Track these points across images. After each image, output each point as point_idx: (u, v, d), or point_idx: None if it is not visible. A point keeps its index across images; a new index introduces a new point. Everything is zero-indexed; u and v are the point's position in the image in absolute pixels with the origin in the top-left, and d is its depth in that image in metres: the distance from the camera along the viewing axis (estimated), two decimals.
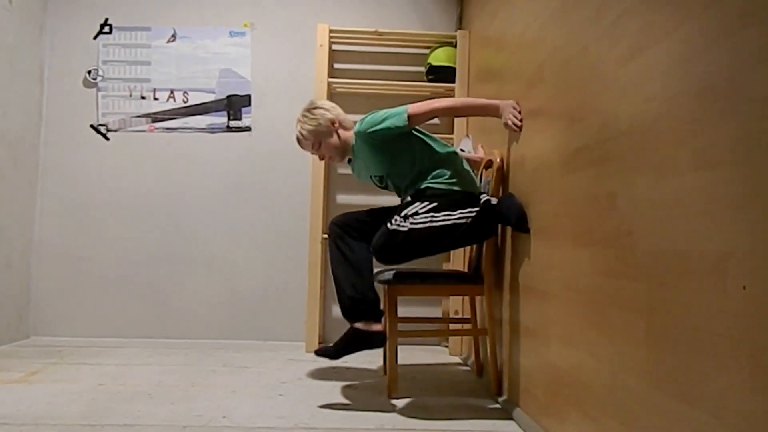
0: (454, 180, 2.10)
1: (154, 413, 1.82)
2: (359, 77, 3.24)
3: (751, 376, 0.81)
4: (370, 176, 2.27)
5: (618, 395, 1.19)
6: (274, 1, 3.26)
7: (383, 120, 2.04)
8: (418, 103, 2.06)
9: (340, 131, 2.20)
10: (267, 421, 1.78)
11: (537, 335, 1.71)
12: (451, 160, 2.14)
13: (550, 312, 1.60)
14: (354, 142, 2.18)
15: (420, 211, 2.00)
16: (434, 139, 2.17)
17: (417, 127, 2.12)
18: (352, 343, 2.03)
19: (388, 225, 1.99)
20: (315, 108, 2.20)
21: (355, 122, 2.21)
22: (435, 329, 2.92)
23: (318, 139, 2.19)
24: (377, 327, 2.03)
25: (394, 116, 2.03)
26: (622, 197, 1.20)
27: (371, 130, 2.06)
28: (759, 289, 0.80)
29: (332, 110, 2.20)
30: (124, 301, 3.14)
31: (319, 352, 2.07)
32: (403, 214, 2.00)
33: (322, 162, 2.93)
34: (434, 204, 2.01)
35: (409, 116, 2.02)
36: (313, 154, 2.29)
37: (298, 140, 2.23)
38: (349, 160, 2.31)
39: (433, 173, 2.11)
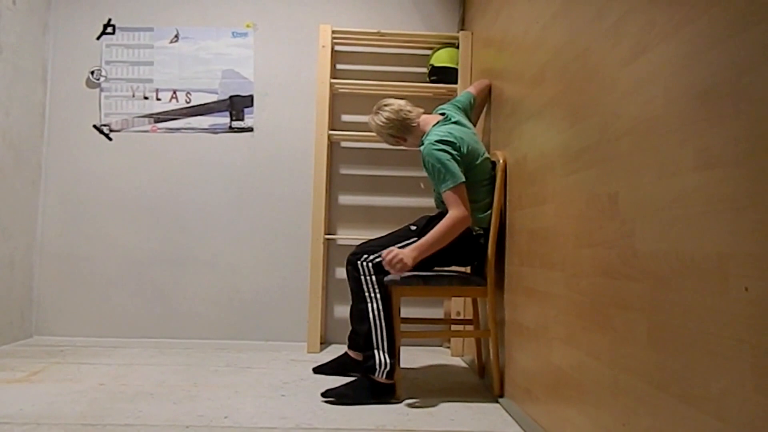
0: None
1: (156, 413, 1.83)
2: (361, 78, 3.24)
3: (753, 377, 0.81)
4: None
5: (620, 396, 1.19)
6: (276, 2, 3.26)
7: (443, 178, 2.10)
8: (457, 198, 2.09)
9: (414, 130, 2.32)
10: (269, 422, 1.78)
11: (539, 336, 1.71)
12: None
13: (551, 313, 1.60)
14: (422, 142, 2.26)
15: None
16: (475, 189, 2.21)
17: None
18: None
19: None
20: (388, 110, 2.31)
21: (424, 112, 2.38)
22: (437, 330, 2.93)
23: (389, 142, 2.39)
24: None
25: (449, 182, 2.09)
26: (624, 198, 1.20)
27: (429, 159, 2.13)
28: (761, 291, 0.80)
29: (400, 112, 2.30)
30: (126, 301, 3.15)
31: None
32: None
33: (325, 161, 2.95)
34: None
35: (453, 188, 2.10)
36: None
37: (376, 133, 2.38)
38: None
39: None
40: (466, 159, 2.15)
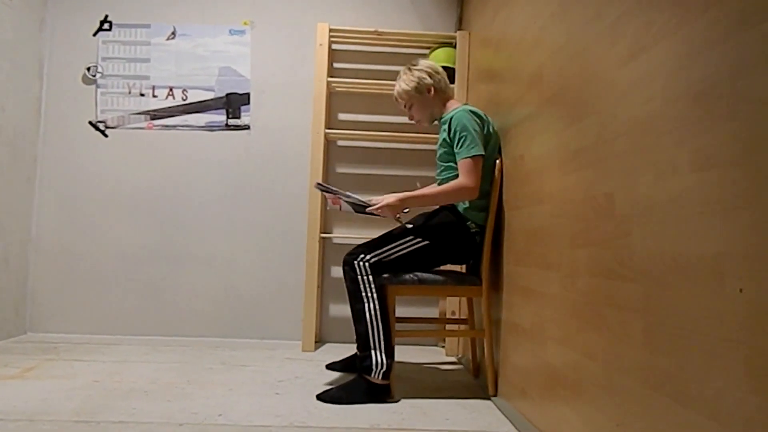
0: (465, 208, 2.20)
1: (150, 410, 1.82)
2: (359, 77, 3.24)
3: (747, 378, 0.81)
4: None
5: (614, 396, 1.19)
6: (274, 0, 3.26)
7: (466, 144, 2.11)
8: (472, 168, 2.12)
9: (436, 97, 2.31)
10: (263, 420, 1.78)
11: (534, 336, 1.71)
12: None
13: (547, 312, 1.60)
14: (449, 113, 2.23)
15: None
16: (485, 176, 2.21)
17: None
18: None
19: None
20: (416, 69, 2.31)
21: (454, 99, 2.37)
22: (432, 330, 2.93)
23: (411, 101, 2.32)
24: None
25: (471, 150, 2.10)
26: (621, 198, 1.20)
27: (457, 122, 2.14)
28: (756, 292, 0.80)
29: (433, 76, 2.30)
30: (121, 297, 3.14)
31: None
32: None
33: (321, 160, 2.94)
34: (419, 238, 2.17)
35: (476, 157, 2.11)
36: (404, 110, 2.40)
37: (395, 97, 2.36)
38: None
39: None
40: (485, 141, 2.19)
